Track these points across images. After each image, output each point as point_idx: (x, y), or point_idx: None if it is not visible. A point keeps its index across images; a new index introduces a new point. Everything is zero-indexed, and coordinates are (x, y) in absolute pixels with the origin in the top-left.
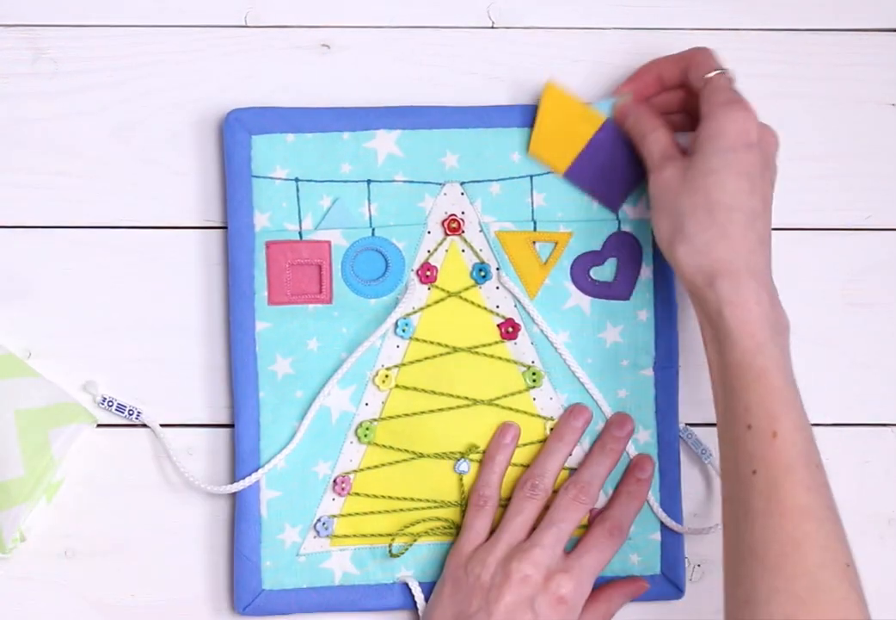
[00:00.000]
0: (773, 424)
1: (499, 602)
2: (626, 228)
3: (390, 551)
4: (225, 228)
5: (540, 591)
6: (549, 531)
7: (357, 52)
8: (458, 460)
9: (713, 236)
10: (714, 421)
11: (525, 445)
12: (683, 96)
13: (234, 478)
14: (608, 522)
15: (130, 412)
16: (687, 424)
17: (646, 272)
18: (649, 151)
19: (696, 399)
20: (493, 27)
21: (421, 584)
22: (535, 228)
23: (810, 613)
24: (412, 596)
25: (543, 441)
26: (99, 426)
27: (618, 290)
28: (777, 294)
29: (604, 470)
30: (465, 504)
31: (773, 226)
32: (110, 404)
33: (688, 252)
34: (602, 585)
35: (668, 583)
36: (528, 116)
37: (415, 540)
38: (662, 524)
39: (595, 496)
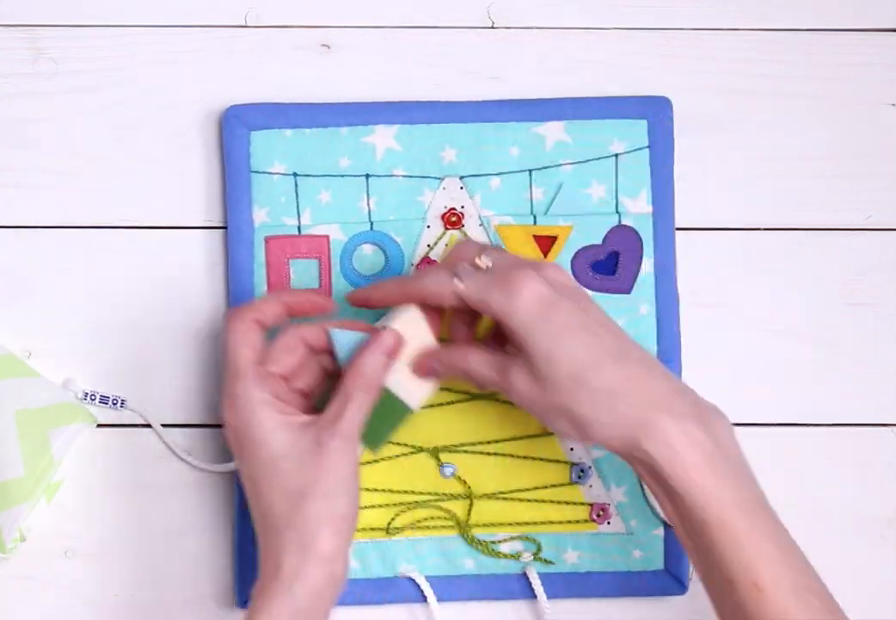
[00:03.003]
0: (751, 574)
1: None
2: (626, 221)
3: (387, 530)
4: (226, 227)
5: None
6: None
7: (357, 52)
8: (442, 465)
9: (606, 403)
10: None
11: (525, 437)
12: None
13: (234, 477)
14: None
15: (115, 402)
16: None
17: (647, 266)
18: (480, 375)
19: None
20: (493, 27)
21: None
22: (535, 222)
23: None
24: (413, 590)
25: (542, 435)
26: (99, 426)
27: (619, 284)
28: (708, 405)
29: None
30: (469, 497)
31: (773, 226)
32: (93, 397)
33: (602, 432)
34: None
35: (672, 578)
36: (525, 110)
37: (412, 525)
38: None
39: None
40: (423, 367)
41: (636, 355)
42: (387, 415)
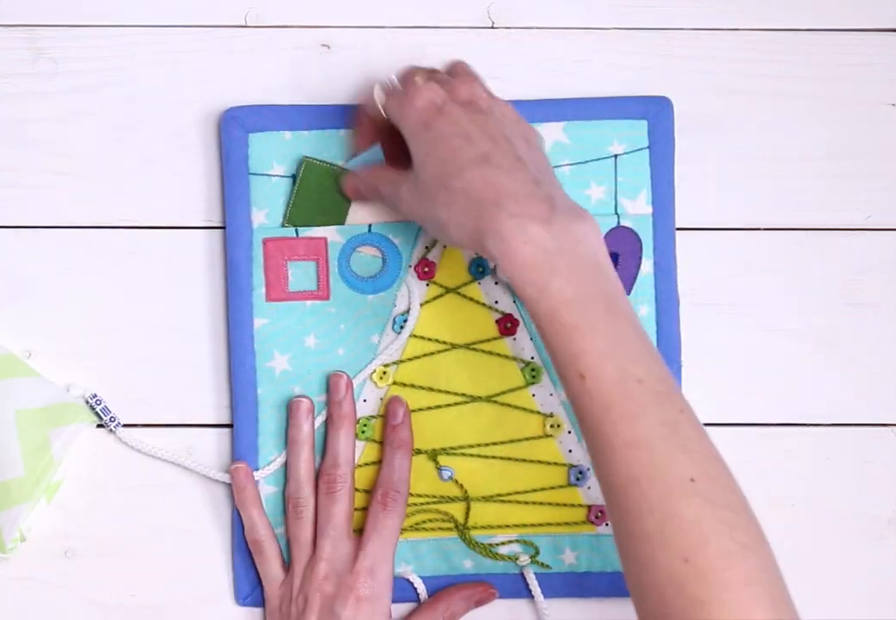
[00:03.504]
0: (577, 365)
1: None
2: (625, 222)
3: None
4: (225, 228)
5: (337, 598)
6: (323, 541)
7: (357, 52)
8: (440, 468)
9: (462, 206)
10: (714, 421)
11: (523, 440)
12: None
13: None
14: (378, 491)
15: (112, 419)
16: None
17: (646, 267)
18: (386, 193)
19: (698, 398)
20: (493, 27)
21: (423, 579)
22: None
23: (670, 552)
24: (411, 591)
25: (542, 438)
26: (99, 426)
27: None
28: (569, 210)
29: (406, 463)
30: (466, 500)
31: (773, 226)
32: (98, 402)
33: (455, 233)
34: (448, 587)
35: None
36: (525, 110)
37: (411, 527)
38: None
39: (404, 493)
40: (349, 187)
41: (504, 160)
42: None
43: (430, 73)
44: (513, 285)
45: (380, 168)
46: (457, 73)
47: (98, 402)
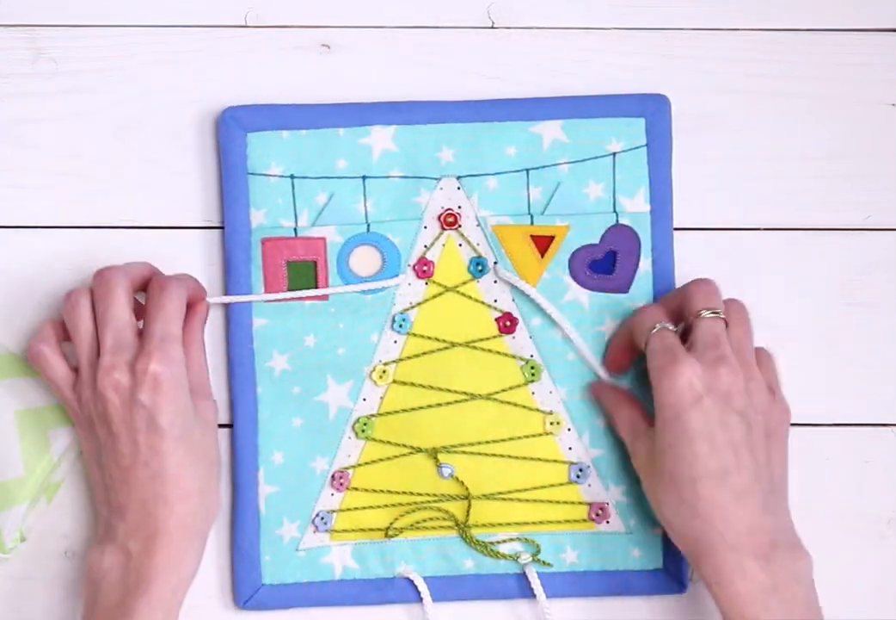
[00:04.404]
0: None
1: (110, 425)
2: (623, 220)
3: (386, 533)
4: (223, 227)
5: (134, 386)
6: (105, 334)
7: (357, 52)
8: (440, 466)
9: (684, 516)
10: None
11: (523, 437)
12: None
13: (233, 477)
14: (154, 283)
15: None
16: None
17: (644, 265)
18: (621, 432)
19: None
20: (493, 27)
21: (424, 579)
22: (532, 222)
23: None
24: (412, 591)
25: (542, 435)
26: None
27: (616, 283)
28: (789, 545)
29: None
30: (467, 498)
31: (773, 226)
32: None
33: (674, 536)
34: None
35: (671, 578)
36: (523, 109)
37: (412, 526)
38: None
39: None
40: (595, 390)
41: (739, 479)
42: None
43: (712, 313)
44: (718, 603)
45: (632, 402)
46: (731, 317)
47: None
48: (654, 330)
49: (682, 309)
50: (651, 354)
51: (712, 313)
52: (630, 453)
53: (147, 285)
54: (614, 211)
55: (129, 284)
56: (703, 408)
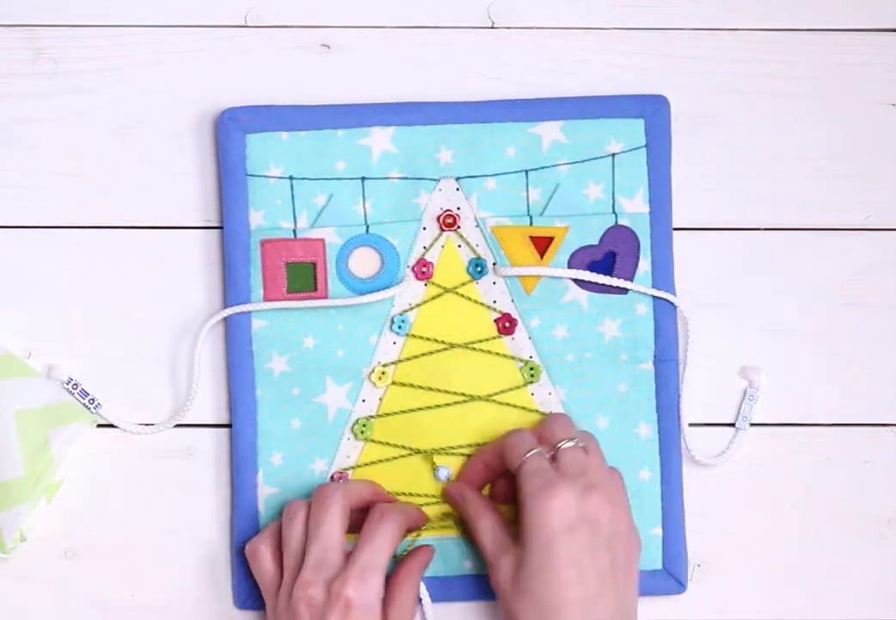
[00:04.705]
0: None
1: None
2: (623, 221)
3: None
4: (222, 227)
5: (327, 606)
6: (311, 550)
7: (357, 52)
8: (437, 468)
9: None
10: (714, 421)
11: None
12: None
13: (233, 478)
14: (376, 509)
15: (91, 401)
16: (689, 424)
17: (644, 266)
18: (481, 543)
19: (697, 399)
20: (493, 27)
21: (423, 579)
22: (531, 223)
23: None
24: None
25: None
26: (99, 426)
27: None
28: None
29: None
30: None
31: (773, 226)
32: (75, 386)
33: None
34: (398, 565)
35: (670, 578)
36: (522, 109)
37: (417, 536)
38: (663, 518)
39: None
40: (449, 493)
41: (605, 607)
42: None
43: (572, 443)
44: None
45: (494, 513)
46: (587, 447)
47: (75, 386)
48: (529, 454)
49: (543, 441)
50: (525, 476)
51: (572, 442)
52: (490, 566)
53: (369, 504)
54: (613, 212)
55: (345, 503)
56: (574, 535)
